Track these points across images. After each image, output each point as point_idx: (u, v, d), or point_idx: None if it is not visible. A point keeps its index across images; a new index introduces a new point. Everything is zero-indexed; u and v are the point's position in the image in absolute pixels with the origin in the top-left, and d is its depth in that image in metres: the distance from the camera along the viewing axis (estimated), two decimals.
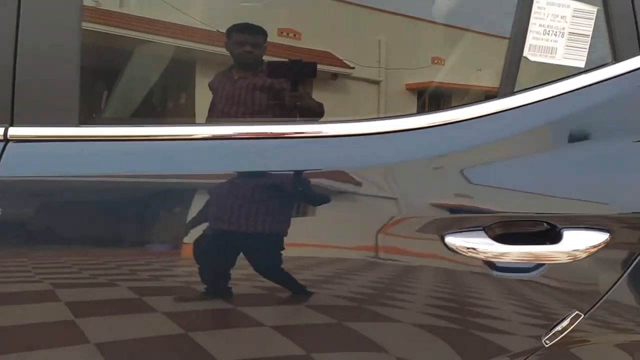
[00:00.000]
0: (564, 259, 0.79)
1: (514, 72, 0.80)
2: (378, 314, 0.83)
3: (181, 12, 0.95)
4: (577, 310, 0.83)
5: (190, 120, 0.96)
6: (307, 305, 0.82)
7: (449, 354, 0.86)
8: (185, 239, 0.80)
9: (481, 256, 0.78)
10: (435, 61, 1.00)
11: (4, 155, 0.78)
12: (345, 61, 0.97)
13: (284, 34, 0.95)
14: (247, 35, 0.92)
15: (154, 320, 0.80)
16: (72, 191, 0.82)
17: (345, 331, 0.82)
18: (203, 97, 0.94)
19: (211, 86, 0.93)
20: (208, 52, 0.97)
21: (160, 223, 0.83)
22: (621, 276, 0.83)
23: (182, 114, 1.02)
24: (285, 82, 0.92)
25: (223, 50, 0.93)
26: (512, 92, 0.81)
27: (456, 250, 0.78)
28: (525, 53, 0.80)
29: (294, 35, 0.97)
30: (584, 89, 0.80)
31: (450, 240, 0.78)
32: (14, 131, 0.78)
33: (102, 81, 0.96)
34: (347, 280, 0.81)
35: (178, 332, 0.80)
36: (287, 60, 0.97)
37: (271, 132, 0.82)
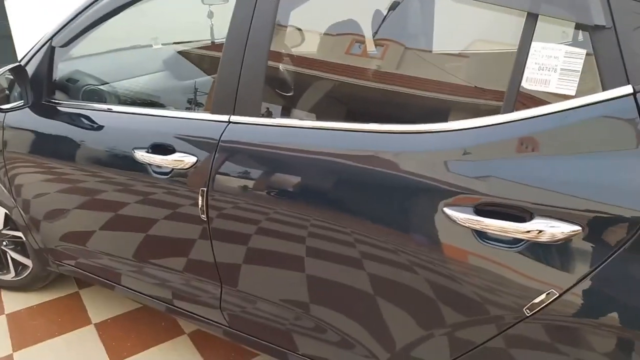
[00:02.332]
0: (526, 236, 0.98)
1: (513, 96, 1.02)
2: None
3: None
4: (553, 288, 1.00)
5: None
6: None
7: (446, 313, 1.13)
8: None
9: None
10: None
11: (226, 130, 1.43)
12: None
13: None
14: None
15: None
16: (254, 151, 1.38)
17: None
18: None
19: None
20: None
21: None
22: (593, 269, 0.95)
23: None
24: None
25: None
26: (511, 111, 1.01)
27: None
28: (523, 83, 1.00)
29: None
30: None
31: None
32: (233, 118, 1.44)
33: (276, 96, 1.54)
34: None
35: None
36: None
37: None
